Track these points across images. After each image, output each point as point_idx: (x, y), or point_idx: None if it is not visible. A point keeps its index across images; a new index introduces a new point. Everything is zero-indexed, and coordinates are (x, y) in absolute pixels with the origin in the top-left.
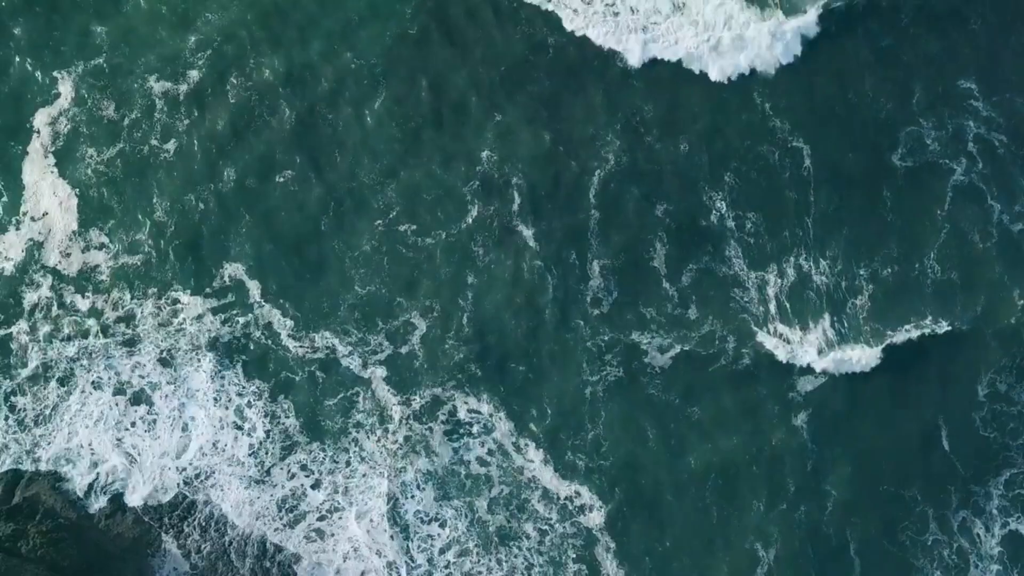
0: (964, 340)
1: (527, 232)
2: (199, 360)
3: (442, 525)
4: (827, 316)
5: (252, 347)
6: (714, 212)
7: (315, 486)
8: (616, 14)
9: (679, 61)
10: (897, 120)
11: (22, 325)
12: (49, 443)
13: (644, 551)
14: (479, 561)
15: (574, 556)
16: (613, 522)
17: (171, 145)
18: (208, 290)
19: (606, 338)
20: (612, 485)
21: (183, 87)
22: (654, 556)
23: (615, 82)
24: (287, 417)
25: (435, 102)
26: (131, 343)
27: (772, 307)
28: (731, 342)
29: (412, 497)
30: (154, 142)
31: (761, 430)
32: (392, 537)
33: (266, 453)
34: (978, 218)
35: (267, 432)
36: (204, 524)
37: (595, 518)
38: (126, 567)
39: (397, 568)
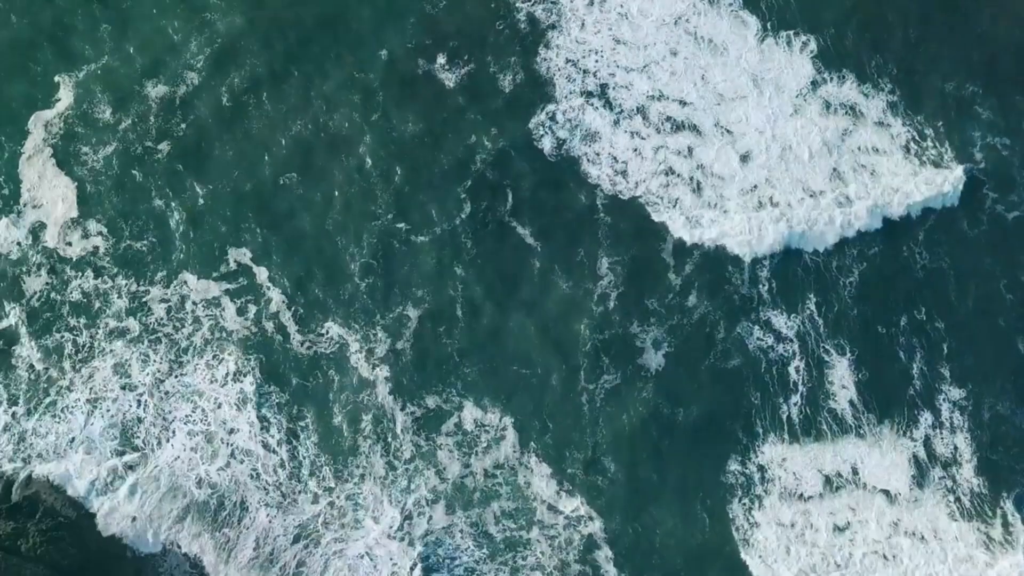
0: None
1: (523, 228)
2: (201, 359)
3: (451, 534)
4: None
5: (256, 348)
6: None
7: (325, 498)
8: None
9: None
10: None
11: (23, 316)
12: (51, 441)
13: (643, 557)
14: (487, 568)
15: (576, 557)
16: (612, 528)
17: (164, 146)
18: (216, 274)
19: (604, 336)
20: (612, 492)
21: (181, 89)
22: (652, 561)
23: None
24: (299, 429)
25: (435, 105)
26: (140, 336)
27: (763, 290)
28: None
29: (422, 514)
30: (149, 143)
31: (756, 431)
32: (401, 547)
33: (274, 463)
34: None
35: (273, 433)
36: (202, 525)
37: (595, 526)
38: (126, 566)
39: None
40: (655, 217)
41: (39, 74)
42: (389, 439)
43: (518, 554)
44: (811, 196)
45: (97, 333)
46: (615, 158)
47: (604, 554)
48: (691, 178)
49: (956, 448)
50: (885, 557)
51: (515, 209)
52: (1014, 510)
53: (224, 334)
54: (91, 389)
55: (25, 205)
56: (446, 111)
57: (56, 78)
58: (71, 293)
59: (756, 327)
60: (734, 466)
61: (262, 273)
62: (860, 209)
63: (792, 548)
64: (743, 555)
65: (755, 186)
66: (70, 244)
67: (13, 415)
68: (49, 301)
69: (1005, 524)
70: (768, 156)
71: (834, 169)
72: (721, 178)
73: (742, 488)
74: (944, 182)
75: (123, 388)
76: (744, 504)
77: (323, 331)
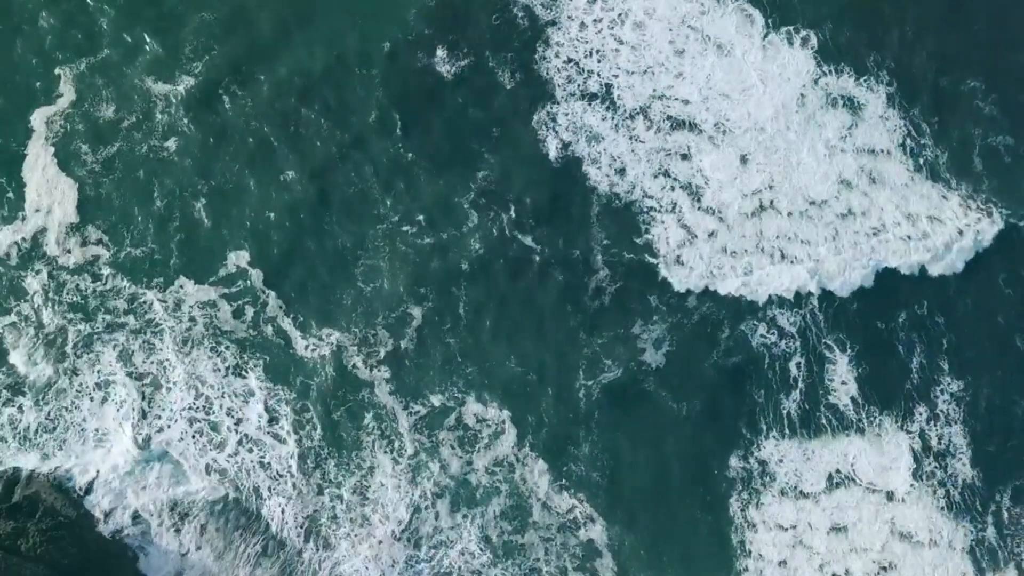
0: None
1: (523, 227)
2: (201, 351)
3: (454, 533)
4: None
5: (257, 345)
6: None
7: (330, 492)
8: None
9: None
10: None
11: (24, 315)
12: (53, 436)
13: (642, 557)
14: (490, 572)
15: (575, 560)
16: (612, 530)
17: (171, 143)
18: (214, 278)
19: (604, 333)
20: (611, 491)
21: (182, 86)
22: (651, 561)
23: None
24: (303, 423)
25: (435, 103)
26: (141, 330)
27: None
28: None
29: (428, 507)
30: (154, 142)
31: (759, 428)
32: (406, 549)
33: (279, 455)
34: None
35: (282, 424)
36: (204, 523)
37: (595, 529)
38: (126, 566)
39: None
40: (655, 217)
41: (39, 69)
42: (392, 436)
43: (518, 556)
44: (812, 204)
45: (98, 329)
46: (615, 158)
47: (603, 553)
48: (690, 182)
49: (955, 444)
50: (883, 568)
51: (516, 208)
52: (1011, 505)
53: (222, 333)
54: (95, 377)
55: (27, 207)
56: (446, 109)
57: (57, 70)
58: (69, 294)
59: (758, 324)
60: (735, 463)
61: (262, 275)
62: (866, 227)
63: (790, 555)
64: (743, 556)
65: (757, 190)
66: (69, 249)
67: (20, 408)
68: (49, 300)
69: (999, 526)
70: (769, 157)
71: (838, 174)
72: (721, 181)
73: (743, 484)
74: (975, 231)
75: (128, 375)
76: (743, 500)
77: (325, 330)
